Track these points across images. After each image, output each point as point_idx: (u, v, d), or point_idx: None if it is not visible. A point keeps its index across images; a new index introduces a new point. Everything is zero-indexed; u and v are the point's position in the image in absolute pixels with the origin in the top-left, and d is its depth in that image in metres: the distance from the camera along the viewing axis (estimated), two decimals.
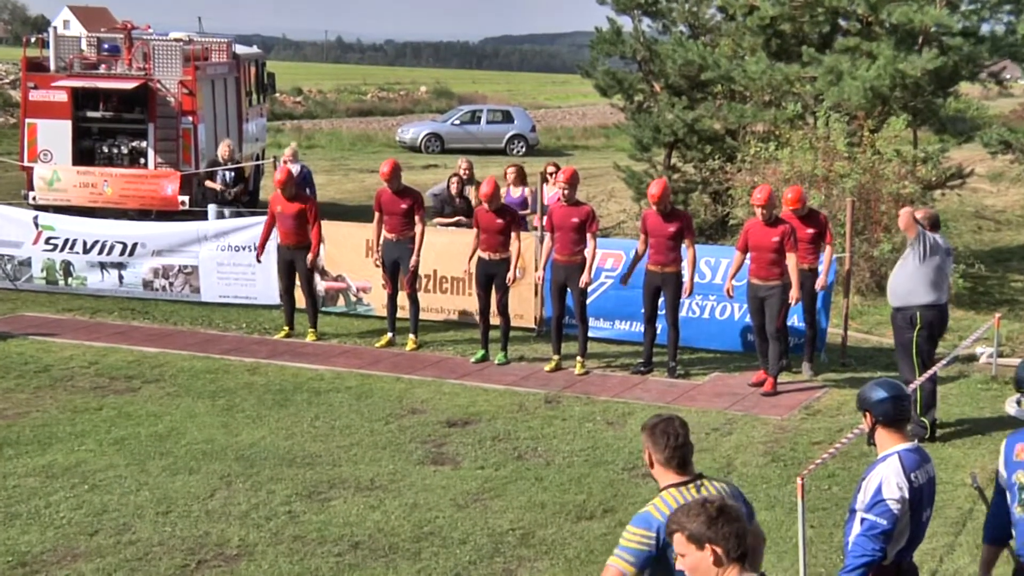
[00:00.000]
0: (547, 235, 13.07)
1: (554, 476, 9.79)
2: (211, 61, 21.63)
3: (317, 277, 14.77)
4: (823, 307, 13.37)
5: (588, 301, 13.10)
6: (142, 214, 19.28)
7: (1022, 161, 19.99)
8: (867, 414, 5.53)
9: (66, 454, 10.09)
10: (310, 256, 13.96)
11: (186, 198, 18.93)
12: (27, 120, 19.97)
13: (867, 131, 17.54)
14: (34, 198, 19.30)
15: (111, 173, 19.37)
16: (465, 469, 9.95)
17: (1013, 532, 5.83)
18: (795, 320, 13.15)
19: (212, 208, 17.95)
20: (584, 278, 12.66)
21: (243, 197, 20.14)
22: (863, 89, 17.18)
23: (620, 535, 4.87)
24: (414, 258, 13.57)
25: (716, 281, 13.56)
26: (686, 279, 12.69)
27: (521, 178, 16.19)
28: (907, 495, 5.30)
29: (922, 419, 10.78)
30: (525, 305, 14.47)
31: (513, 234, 12.95)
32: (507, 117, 42.52)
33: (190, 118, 19.72)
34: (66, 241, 15.99)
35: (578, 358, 12.98)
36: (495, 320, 13.26)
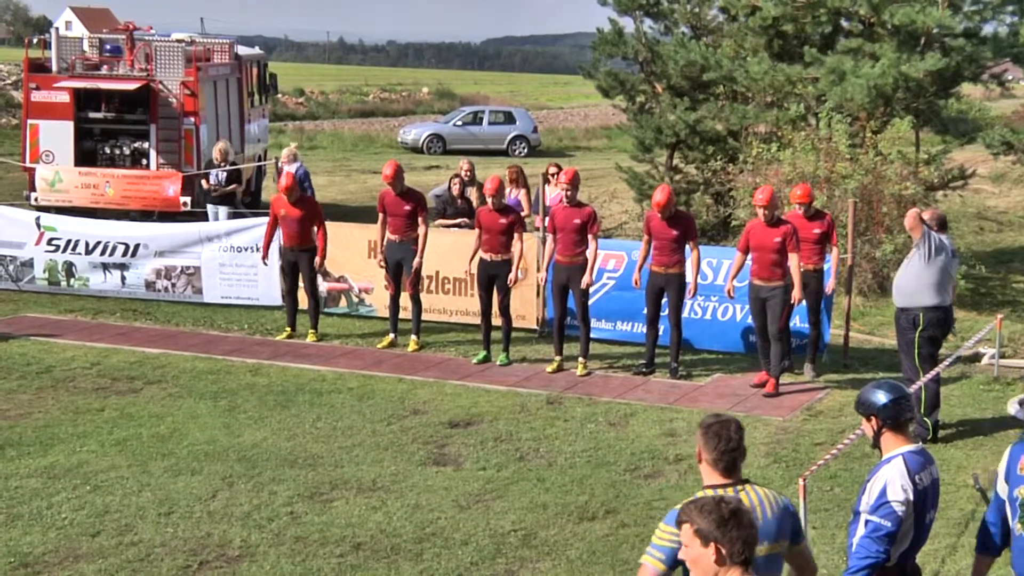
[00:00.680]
0: (549, 236, 13.07)
1: (556, 477, 9.78)
2: (213, 62, 21.64)
3: (320, 278, 14.76)
4: (826, 308, 13.37)
5: (590, 302, 13.09)
6: (144, 215, 19.30)
7: None
8: (872, 418, 5.50)
9: (68, 455, 10.09)
10: (317, 259, 13.97)
11: (188, 199, 18.94)
12: (29, 121, 19.99)
13: (869, 132, 17.53)
14: (36, 199, 19.31)
15: (113, 174, 19.38)
16: (467, 470, 9.95)
17: (1012, 550, 5.60)
18: (797, 321, 13.14)
19: (210, 208, 17.99)
20: (586, 279, 12.66)
21: (245, 198, 20.16)
22: (865, 90, 17.17)
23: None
24: (417, 259, 13.57)
25: (718, 282, 13.55)
26: (690, 281, 12.69)
27: (519, 180, 16.19)
28: (912, 497, 5.29)
29: (925, 419, 10.78)
30: (527, 306, 14.47)
31: (515, 235, 12.95)
32: (509, 118, 42.52)
33: (192, 119, 19.74)
34: (68, 242, 15.99)
35: (580, 359, 12.98)
36: (496, 321, 13.25)
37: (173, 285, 15.80)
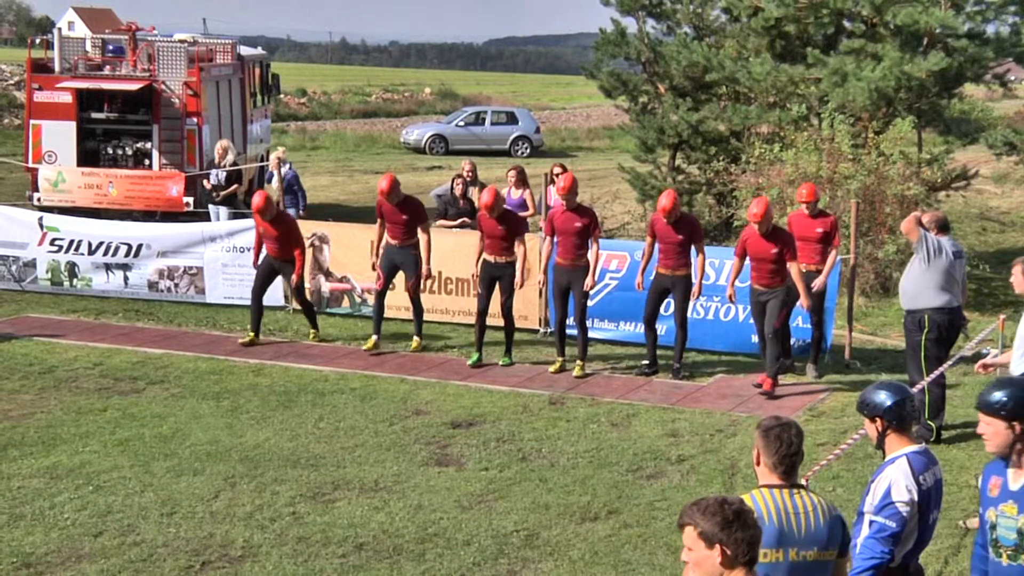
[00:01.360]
0: (547, 239, 13.01)
1: (558, 477, 9.78)
2: (215, 62, 21.64)
3: (321, 278, 14.74)
4: (829, 309, 13.37)
5: (592, 303, 13.08)
6: (147, 215, 19.31)
7: None
8: (877, 420, 5.49)
9: (70, 455, 10.09)
10: (294, 278, 13.78)
11: (191, 199, 18.94)
12: (32, 121, 20.00)
13: (872, 133, 17.53)
14: (39, 199, 19.32)
15: (116, 174, 19.39)
16: (469, 470, 9.95)
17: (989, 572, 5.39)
18: (799, 322, 13.14)
19: (211, 209, 17.99)
20: (588, 282, 12.65)
21: (247, 198, 20.14)
22: (868, 90, 17.16)
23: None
24: (425, 267, 13.49)
25: (720, 283, 13.55)
26: (695, 282, 12.69)
27: (522, 180, 16.19)
28: (916, 498, 5.29)
29: (929, 422, 10.77)
30: (529, 307, 14.46)
31: (517, 240, 12.91)
32: (511, 118, 42.53)
33: (194, 119, 19.75)
34: (71, 242, 16.00)
35: (577, 361, 12.95)
36: (491, 322, 13.22)
37: (176, 285, 15.81)
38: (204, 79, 20.02)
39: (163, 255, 15.81)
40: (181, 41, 21.07)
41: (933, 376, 10.54)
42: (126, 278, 15.91)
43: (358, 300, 15.29)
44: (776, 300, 12.14)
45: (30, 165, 19.89)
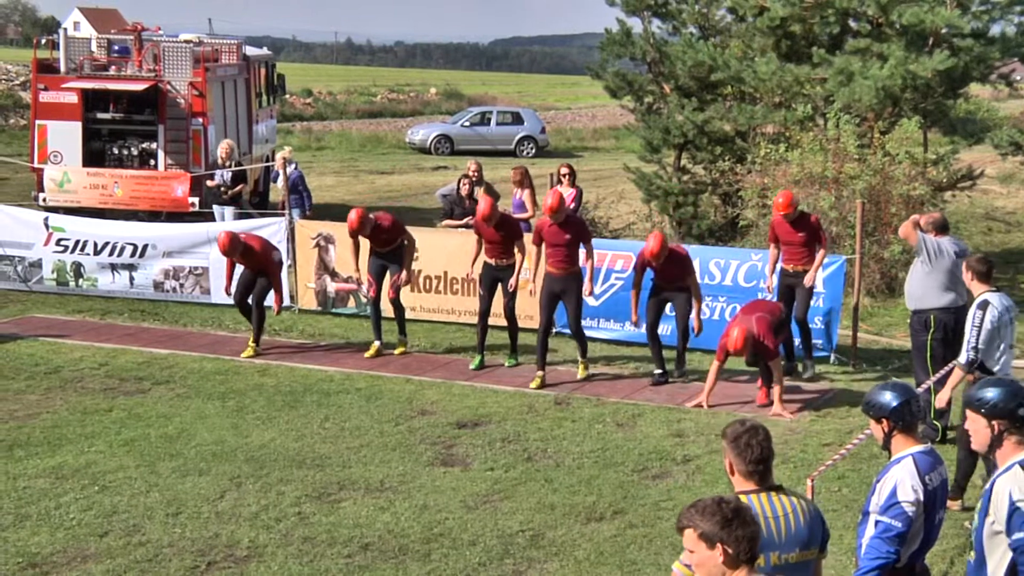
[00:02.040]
0: (534, 248, 12.85)
1: (564, 478, 9.78)
2: (221, 63, 21.67)
3: (328, 278, 14.73)
4: (834, 309, 13.41)
5: (598, 303, 13.01)
6: (152, 215, 19.33)
7: None
8: (883, 421, 5.48)
9: (76, 455, 10.10)
10: (275, 308, 13.72)
11: (196, 199, 18.96)
12: (37, 122, 20.05)
13: (877, 133, 17.50)
14: (44, 199, 19.36)
15: (121, 174, 19.43)
16: (475, 471, 9.95)
17: None
18: (817, 322, 13.19)
19: (216, 209, 18.00)
20: (587, 288, 12.60)
21: (253, 198, 20.17)
22: (874, 90, 17.14)
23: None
24: (405, 274, 13.40)
25: (726, 283, 13.53)
26: (693, 309, 12.58)
27: (524, 180, 16.17)
28: (922, 497, 5.28)
29: (935, 422, 10.76)
30: (535, 307, 14.40)
31: (516, 244, 12.87)
32: (517, 119, 42.51)
33: (200, 119, 19.77)
34: (76, 242, 16.02)
35: (580, 360, 12.90)
36: (494, 322, 13.19)
37: (181, 285, 15.82)
38: (210, 79, 20.03)
39: (168, 255, 15.83)
40: (187, 41, 21.09)
41: (939, 376, 10.52)
42: (132, 278, 15.93)
43: (364, 300, 15.28)
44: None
45: (35, 165, 19.93)
